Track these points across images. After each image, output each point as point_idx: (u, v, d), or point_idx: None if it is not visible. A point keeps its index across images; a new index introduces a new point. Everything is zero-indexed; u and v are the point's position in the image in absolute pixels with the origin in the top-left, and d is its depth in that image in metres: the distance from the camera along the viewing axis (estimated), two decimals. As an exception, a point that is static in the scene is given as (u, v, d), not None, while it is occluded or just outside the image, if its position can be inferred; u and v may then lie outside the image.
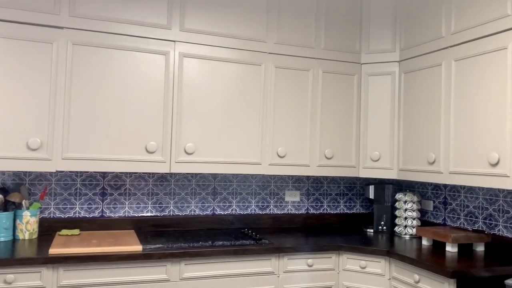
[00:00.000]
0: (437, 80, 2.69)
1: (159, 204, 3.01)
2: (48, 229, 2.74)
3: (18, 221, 2.56)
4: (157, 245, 2.49)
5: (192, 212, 3.09)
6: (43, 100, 2.45)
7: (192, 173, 3.08)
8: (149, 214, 2.98)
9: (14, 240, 2.53)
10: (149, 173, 2.99)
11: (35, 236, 2.60)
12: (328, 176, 3.47)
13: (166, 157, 2.68)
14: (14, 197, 2.52)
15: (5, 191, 2.57)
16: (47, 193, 2.76)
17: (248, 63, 2.89)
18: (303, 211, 3.39)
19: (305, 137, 3.02)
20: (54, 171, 2.50)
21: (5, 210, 2.54)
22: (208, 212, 3.13)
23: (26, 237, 2.56)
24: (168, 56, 2.70)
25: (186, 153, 2.72)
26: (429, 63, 2.76)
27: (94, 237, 2.60)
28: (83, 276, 2.26)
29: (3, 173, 2.68)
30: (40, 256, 2.19)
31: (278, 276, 2.63)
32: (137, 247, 2.38)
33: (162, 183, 3.02)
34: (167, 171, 2.68)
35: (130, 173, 2.94)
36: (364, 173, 3.14)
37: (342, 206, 3.51)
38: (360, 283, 2.69)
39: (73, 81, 2.52)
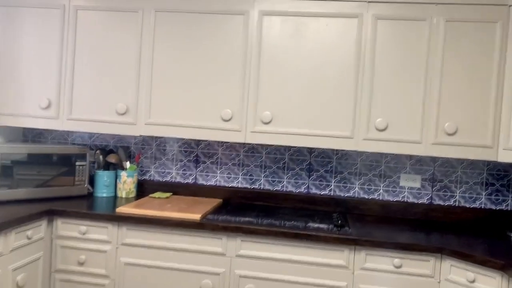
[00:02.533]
0: None
1: (249, 176, 2.86)
2: (145, 190, 2.93)
3: (118, 181, 2.81)
4: (220, 217, 2.37)
5: (284, 188, 2.83)
6: (129, 68, 2.59)
7: (285, 146, 2.81)
8: (239, 185, 2.87)
9: (115, 197, 2.79)
10: (241, 144, 2.86)
11: (132, 195, 2.81)
12: (465, 159, 2.68)
13: (241, 126, 2.51)
14: (111, 158, 2.78)
15: (106, 152, 2.85)
16: (142, 156, 2.95)
17: (341, 16, 2.42)
18: (424, 200, 2.72)
19: (416, 105, 2.37)
20: (138, 135, 2.63)
21: (107, 169, 2.83)
22: (302, 189, 2.82)
23: (124, 195, 2.79)
24: (247, 15, 2.49)
25: (262, 122, 2.49)
26: None
27: (178, 201, 2.65)
28: (144, 237, 2.33)
29: (113, 136, 2.97)
30: (107, 213, 2.35)
31: (353, 273, 2.17)
32: (196, 216, 2.31)
33: (253, 154, 2.86)
34: (242, 141, 2.51)
35: (221, 142, 2.88)
36: (505, 157, 2.28)
37: (483, 199, 2.66)
38: (468, 302, 1.99)
39: (155, 49, 2.57)
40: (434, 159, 2.71)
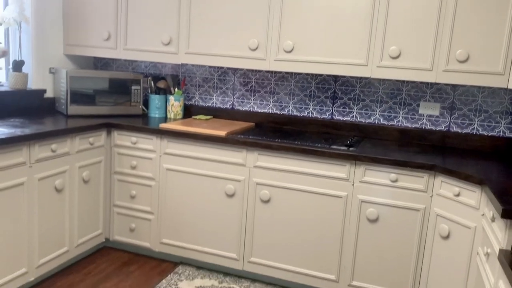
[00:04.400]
0: None
1: (279, 102, 3.16)
2: (191, 113, 3.38)
3: (167, 104, 3.28)
4: (244, 135, 2.74)
5: (310, 114, 3.10)
6: (171, 3, 2.94)
7: (312, 74, 3.04)
8: (270, 111, 3.19)
9: (165, 117, 3.28)
10: (272, 72, 3.15)
11: (179, 116, 3.27)
12: (485, 89, 2.71)
13: (266, 55, 2.78)
14: (161, 84, 3.23)
15: (157, 79, 3.30)
16: (187, 83, 3.36)
17: None
18: (442, 128, 2.83)
19: (429, 33, 2.46)
20: (179, 63, 3.03)
21: (158, 94, 3.29)
22: (326, 116, 3.06)
23: (172, 116, 3.26)
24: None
25: (285, 51, 2.74)
26: None
27: (215, 122, 3.06)
28: (181, 148, 2.79)
29: (165, 65, 3.41)
30: (152, 128, 2.83)
31: (353, 184, 2.45)
32: (222, 133, 2.70)
33: (283, 83, 3.13)
34: (267, 69, 2.79)
35: (255, 71, 3.19)
36: (516, 84, 2.33)
37: (503, 127, 2.71)
38: (453, 213, 2.19)
39: (193, -15, 2.90)
40: (454, 88, 2.78)
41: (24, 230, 2.37)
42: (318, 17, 2.65)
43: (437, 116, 2.84)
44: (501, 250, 1.57)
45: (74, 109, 3.01)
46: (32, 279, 2.47)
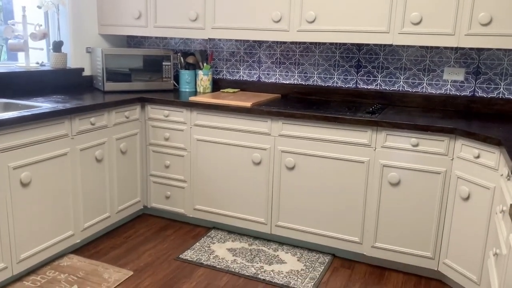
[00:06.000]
0: None
1: (304, 73, 3.24)
2: (220, 87, 3.51)
3: (196, 78, 3.42)
4: (268, 106, 2.85)
5: (334, 84, 3.16)
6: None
7: (336, 44, 3.09)
8: (295, 82, 3.27)
9: (195, 91, 3.42)
10: (296, 43, 3.21)
11: (208, 90, 3.41)
12: (511, 52, 2.69)
13: (289, 26, 2.85)
14: (190, 59, 3.37)
15: (186, 55, 3.44)
16: (215, 58, 3.48)
17: None
18: (467, 93, 2.83)
19: (451, -2, 2.46)
20: (207, 38, 3.15)
21: (187, 69, 3.44)
22: (351, 85, 3.12)
23: (201, 90, 3.40)
24: None
25: (307, 21, 2.80)
26: None
27: (241, 95, 3.18)
28: (209, 120, 2.93)
29: (193, 41, 3.54)
30: (182, 101, 2.99)
31: (374, 150, 2.52)
32: (248, 104, 2.82)
33: (307, 54, 3.20)
34: (291, 40, 2.87)
35: (280, 43, 3.26)
36: (540, 45, 2.30)
37: (529, 91, 2.69)
38: (473, 175, 2.23)
39: (217, -39, 2.98)
40: (479, 52, 2.77)
41: (69, 196, 2.60)
42: (339, -14, 2.69)
43: (461, 82, 2.84)
44: (511, 205, 1.63)
45: (110, 86, 3.20)
46: (78, 241, 2.72)
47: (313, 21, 2.79)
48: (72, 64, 3.31)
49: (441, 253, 2.48)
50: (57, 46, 3.18)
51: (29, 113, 2.29)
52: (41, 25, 3.11)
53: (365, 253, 2.67)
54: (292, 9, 2.83)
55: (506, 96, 2.75)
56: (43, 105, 2.56)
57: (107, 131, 2.84)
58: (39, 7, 3.10)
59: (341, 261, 2.75)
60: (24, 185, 2.31)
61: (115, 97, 2.99)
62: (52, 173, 2.47)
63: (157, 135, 3.12)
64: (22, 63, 3.19)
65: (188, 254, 2.76)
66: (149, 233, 3.05)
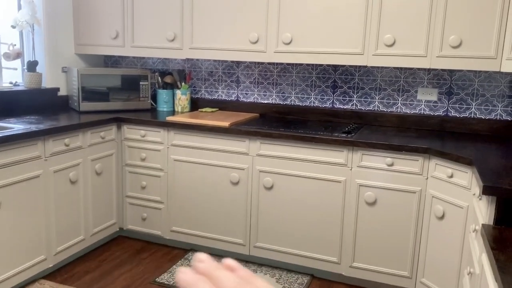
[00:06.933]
0: None
1: (282, 93, 3.26)
2: (198, 106, 3.50)
3: (174, 98, 3.41)
4: (247, 126, 2.85)
5: (311, 104, 3.19)
6: (174, 1, 3.07)
7: (312, 64, 3.13)
8: (273, 101, 3.30)
9: (173, 111, 3.41)
10: (274, 64, 3.25)
11: (186, 110, 3.40)
12: (482, 73, 2.76)
13: (266, 47, 2.89)
14: (167, 79, 3.37)
15: (164, 74, 3.43)
16: (193, 77, 3.49)
17: None
18: (440, 112, 2.89)
19: (422, 21, 2.53)
20: (184, 58, 3.16)
21: (165, 88, 3.43)
22: (327, 105, 3.15)
23: (179, 110, 3.39)
24: None
25: (284, 43, 2.83)
26: None
27: (220, 114, 3.18)
28: (187, 139, 2.92)
29: (171, 61, 3.54)
30: (159, 120, 2.97)
31: (351, 169, 2.54)
32: (226, 124, 2.82)
33: (285, 74, 3.23)
34: (267, 61, 2.90)
35: (258, 64, 3.29)
36: (508, 67, 2.38)
37: (499, 111, 2.76)
38: (447, 194, 2.27)
39: (195, -18, 3.01)
40: (451, 74, 2.84)
41: (42, 220, 2.53)
42: (314, 9, 2.74)
43: (435, 102, 2.91)
44: (483, 225, 1.65)
45: (86, 106, 3.17)
46: (50, 265, 2.64)
47: (289, 43, 2.83)
48: (47, 84, 3.26)
49: (417, 272, 2.49)
50: (32, 66, 3.14)
51: (1, 135, 2.24)
52: (15, 45, 3.07)
53: (343, 273, 2.66)
54: (269, 31, 2.87)
55: (477, 115, 2.82)
56: (15, 126, 2.51)
57: (82, 152, 2.79)
58: (13, 27, 3.06)
59: (320, 282, 2.74)
60: (-6, 209, 2.25)
61: (90, 117, 2.95)
62: (24, 196, 2.40)
63: (133, 156, 3.08)
64: (-5, 82, 3.14)
65: (165, 278, 2.70)
66: (125, 256, 2.99)
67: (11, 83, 3.21)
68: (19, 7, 3.17)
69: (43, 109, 3.17)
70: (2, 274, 2.33)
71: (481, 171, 1.85)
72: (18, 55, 3.05)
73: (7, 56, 3.01)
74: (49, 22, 3.21)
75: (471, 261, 1.91)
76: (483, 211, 1.75)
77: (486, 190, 1.64)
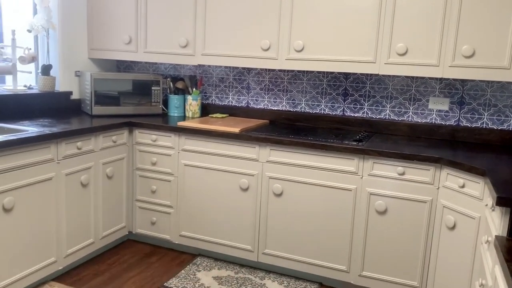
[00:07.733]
0: None
1: (292, 100, 3.27)
2: (208, 112, 3.52)
3: (185, 103, 3.43)
4: (257, 132, 2.86)
5: (322, 111, 3.19)
6: (187, 9, 3.09)
7: (323, 72, 3.14)
8: (283, 108, 3.30)
9: (184, 116, 3.43)
10: (285, 71, 3.26)
11: (197, 115, 3.42)
12: (494, 83, 2.75)
13: (277, 54, 2.90)
14: (179, 84, 3.39)
15: (176, 80, 3.46)
16: (204, 83, 3.51)
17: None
18: (452, 122, 2.88)
19: (435, 29, 2.53)
20: (196, 64, 3.18)
21: (177, 94, 3.45)
22: (338, 112, 3.15)
23: (190, 115, 3.41)
24: (283, -46, 2.80)
25: (295, 50, 2.85)
26: None
27: (230, 120, 3.19)
28: (197, 144, 2.93)
29: (183, 67, 3.57)
30: (170, 125, 2.99)
31: (361, 177, 2.53)
32: (236, 130, 2.83)
33: (295, 81, 3.24)
34: (279, 68, 2.91)
35: (268, 70, 3.30)
36: (521, 77, 2.37)
37: (512, 121, 2.75)
38: (459, 204, 2.25)
39: (208, -11, 3.04)
40: (463, 83, 2.83)
41: (53, 222, 2.55)
42: (326, 17, 2.75)
43: (446, 111, 2.90)
44: (496, 237, 1.64)
45: (98, 110, 3.19)
46: (60, 268, 2.66)
47: (301, 50, 2.84)
48: (60, 87, 3.30)
49: (427, 283, 2.47)
50: (46, 70, 3.18)
51: (15, 137, 2.26)
52: (30, 49, 3.11)
53: (352, 282, 2.65)
54: (281, 38, 2.88)
55: (489, 126, 2.80)
56: (29, 129, 2.54)
57: (94, 156, 2.82)
58: (29, 31, 3.11)
59: (328, 290, 2.73)
60: (7, 210, 2.27)
61: (102, 121, 2.97)
62: (36, 198, 2.43)
63: (144, 160, 3.10)
64: (9, 86, 3.18)
65: (173, 282, 2.71)
66: (133, 260, 3.00)
67: (25, 86, 3.25)
68: (35, 12, 3.22)
69: (56, 112, 3.20)
70: (13, 275, 2.35)
71: (494, 182, 1.84)
72: (33, 58, 3.09)
73: (23, 60, 3.05)
74: (63, 27, 3.26)
75: (483, 273, 1.89)
76: (496, 222, 1.73)
77: (500, 202, 1.62)
